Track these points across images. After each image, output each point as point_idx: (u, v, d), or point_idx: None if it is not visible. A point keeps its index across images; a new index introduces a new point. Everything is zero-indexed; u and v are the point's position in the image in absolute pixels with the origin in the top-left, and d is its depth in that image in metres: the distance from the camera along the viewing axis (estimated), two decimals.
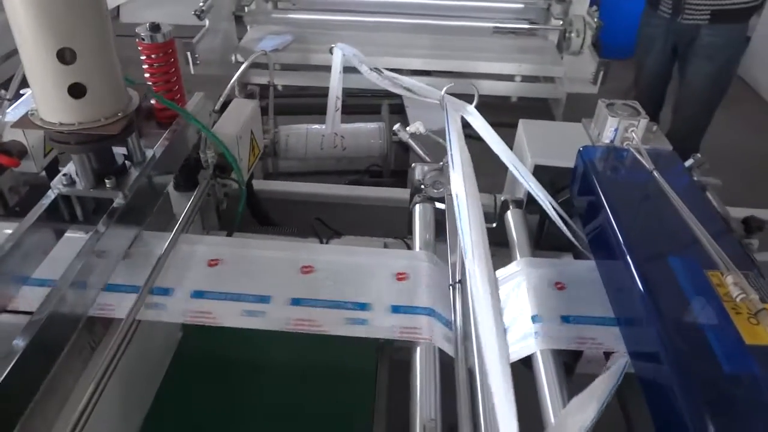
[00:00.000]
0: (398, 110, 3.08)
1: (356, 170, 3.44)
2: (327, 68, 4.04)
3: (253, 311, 1.25)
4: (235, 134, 1.75)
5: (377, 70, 1.85)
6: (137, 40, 1.53)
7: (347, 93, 3.34)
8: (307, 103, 3.43)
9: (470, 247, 1.20)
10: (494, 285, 1.16)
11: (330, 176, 3.55)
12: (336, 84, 1.98)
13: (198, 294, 1.31)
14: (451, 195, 1.48)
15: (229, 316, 1.25)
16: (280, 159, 3.07)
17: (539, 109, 4.27)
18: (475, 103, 1.50)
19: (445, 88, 1.49)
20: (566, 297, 1.32)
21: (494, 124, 3.94)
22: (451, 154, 1.41)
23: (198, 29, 3.65)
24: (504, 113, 4.19)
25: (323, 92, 3.73)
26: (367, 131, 3.00)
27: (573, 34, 3.60)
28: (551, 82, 3.91)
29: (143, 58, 1.57)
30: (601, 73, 3.55)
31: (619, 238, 1.24)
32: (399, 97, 2.27)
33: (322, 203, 2.14)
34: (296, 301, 1.28)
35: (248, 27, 4.10)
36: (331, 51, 1.94)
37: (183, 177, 1.80)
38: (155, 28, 1.53)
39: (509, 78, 3.91)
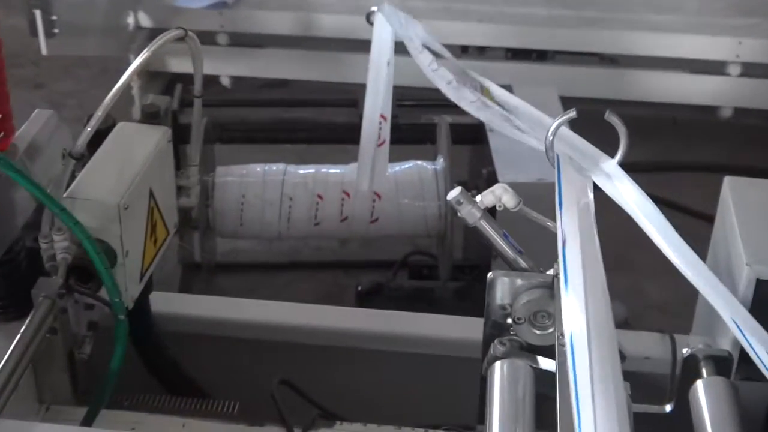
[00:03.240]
0: (472, 137, 3.12)
1: (381, 262, 3.50)
2: (329, 42, 4.15)
3: None
4: (114, 200, 1.79)
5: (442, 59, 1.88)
6: None
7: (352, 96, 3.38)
8: (282, 121, 3.48)
9: None
10: None
11: (325, 273, 3.61)
12: (380, 87, 2.01)
13: None
14: (563, 344, 1.47)
15: None
16: (221, 237, 3.12)
17: None
18: (621, 154, 1.51)
19: (557, 121, 1.50)
20: None
21: (678, 167, 3.94)
22: (565, 256, 1.42)
23: None
24: (703, 144, 4.13)
25: (324, 95, 3.78)
26: (405, 182, 3.02)
27: None
28: None
29: None
30: None
31: None
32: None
33: (298, 347, 2.17)
34: None
35: None
36: (369, 19, 2.00)
37: (3, 291, 1.83)
38: None
39: (715, 68, 3.93)
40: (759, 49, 3.81)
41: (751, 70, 3.85)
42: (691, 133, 3.89)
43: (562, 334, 1.56)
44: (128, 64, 2.40)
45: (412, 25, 1.89)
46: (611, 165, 1.49)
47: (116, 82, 1.94)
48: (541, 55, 3.93)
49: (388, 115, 2.04)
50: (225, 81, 4.04)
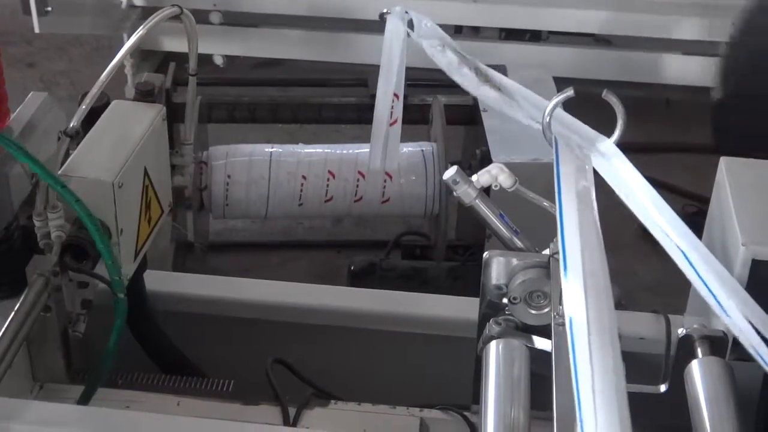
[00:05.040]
0: (466, 117, 3.11)
1: (374, 242, 3.50)
2: (324, 21, 4.14)
3: None
4: (109, 179, 1.79)
5: (458, 53, 1.88)
6: None
7: (357, 76, 3.37)
8: (278, 99, 3.47)
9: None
10: None
11: (317, 253, 3.59)
12: (393, 66, 2.04)
13: None
14: (563, 324, 1.47)
15: None
16: (214, 217, 3.11)
17: None
18: (618, 133, 1.50)
19: (554, 101, 1.49)
20: None
21: (672, 148, 3.90)
22: (563, 237, 1.41)
23: None
24: (698, 125, 4.04)
25: (319, 75, 3.77)
26: (402, 163, 3.01)
27: None
28: None
29: None
30: None
31: None
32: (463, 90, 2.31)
33: (293, 327, 2.16)
34: None
35: None
36: (382, 17, 2.01)
37: None
38: None
39: (709, 49, 3.93)
40: None
41: None
42: (684, 114, 3.88)
43: (558, 314, 1.57)
44: (121, 43, 2.40)
45: (423, 21, 1.91)
46: (608, 145, 1.49)
47: (110, 61, 1.94)
48: (535, 36, 3.92)
49: (401, 94, 2.04)
50: (218, 60, 4.03)
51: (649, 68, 3.87)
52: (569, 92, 1.50)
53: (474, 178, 1.77)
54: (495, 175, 1.75)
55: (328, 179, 2.89)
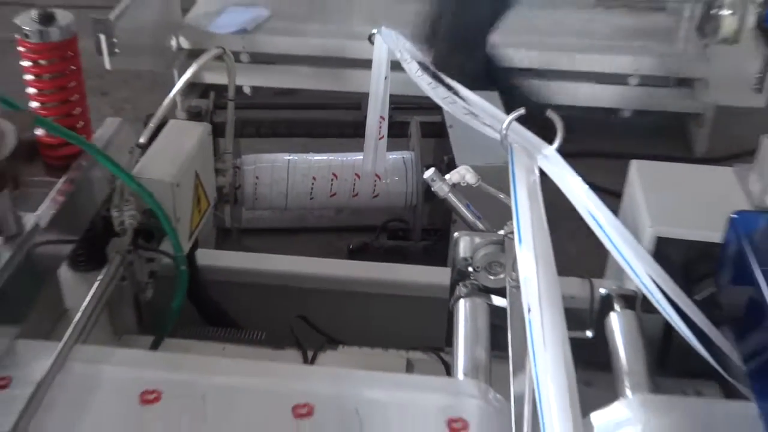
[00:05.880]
0: (436, 132, 3.12)
1: (366, 227, 3.52)
2: (330, 61, 4.16)
3: None
4: (169, 180, 1.80)
5: (426, 68, 1.91)
6: (18, 37, 1.58)
7: (349, 101, 3.42)
8: (293, 119, 3.49)
9: (545, 372, 1.20)
10: None
11: (323, 235, 3.62)
12: (379, 95, 2.12)
13: None
14: (516, 286, 1.49)
15: None
16: (246, 209, 3.12)
17: (668, 132, 4.19)
18: (558, 142, 1.52)
19: (509, 117, 1.51)
20: None
21: (591, 154, 3.89)
22: (518, 220, 1.43)
23: None
24: (610, 137, 4.06)
25: (323, 100, 3.81)
26: (390, 167, 3.03)
27: (724, 11, 3.61)
28: (688, 87, 3.92)
29: (27, 64, 1.61)
30: None
31: None
32: (436, 110, 2.34)
33: (308, 290, 2.18)
34: None
35: None
36: (371, 39, 2.05)
37: (84, 249, 1.86)
38: (47, 18, 1.57)
39: (619, 80, 3.91)
40: (651, 65, 3.85)
41: (645, 81, 3.88)
42: (598, 131, 3.88)
43: (512, 279, 1.59)
44: (172, 78, 2.40)
45: (401, 41, 1.94)
46: (550, 150, 1.50)
47: (164, 90, 1.96)
48: None
49: (386, 116, 2.09)
50: (247, 90, 4.03)
51: (573, 94, 3.89)
52: (521, 111, 1.51)
53: (447, 176, 1.79)
54: (463, 174, 1.77)
55: (332, 179, 2.90)
